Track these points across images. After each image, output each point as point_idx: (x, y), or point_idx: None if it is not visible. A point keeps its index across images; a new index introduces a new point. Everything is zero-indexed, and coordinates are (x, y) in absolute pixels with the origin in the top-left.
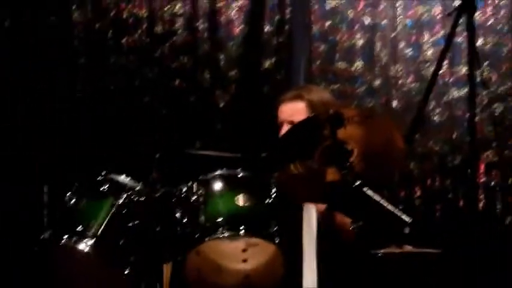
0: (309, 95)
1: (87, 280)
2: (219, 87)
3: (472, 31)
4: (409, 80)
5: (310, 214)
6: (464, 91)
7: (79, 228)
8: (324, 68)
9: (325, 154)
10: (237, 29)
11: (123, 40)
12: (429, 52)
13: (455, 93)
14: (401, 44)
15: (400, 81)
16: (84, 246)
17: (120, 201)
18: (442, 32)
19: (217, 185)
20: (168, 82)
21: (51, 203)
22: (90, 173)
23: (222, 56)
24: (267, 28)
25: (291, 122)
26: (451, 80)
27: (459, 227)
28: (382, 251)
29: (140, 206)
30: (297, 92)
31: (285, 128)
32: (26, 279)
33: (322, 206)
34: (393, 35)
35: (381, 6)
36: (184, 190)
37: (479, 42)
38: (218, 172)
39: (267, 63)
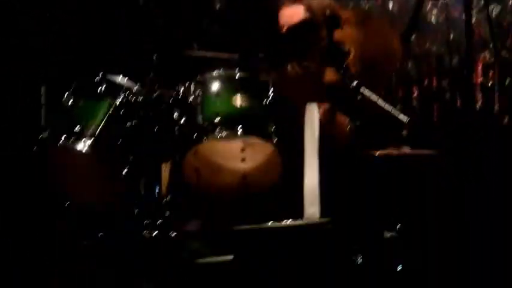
0: None
1: (86, 179)
2: None
3: None
4: None
5: (313, 113)
6: None
7: (77, 128)
8: None
9: (322, 55)
10: None
11: None
12: None
13: None
14: None
15: None
16: (82, 146)
17: (118, 101)
18: None
19: (215, 86)
20: None
21: (49, 103)
22: (87, 74)
23: None
24: None
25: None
26: None
27: (456, 126)
28: (379, 151)
29: (138, 106)
30: None
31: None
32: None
33: (325, 105)
34: None
35: None
36: (181, 91)
37: None
38: (215, 73)
39: None
